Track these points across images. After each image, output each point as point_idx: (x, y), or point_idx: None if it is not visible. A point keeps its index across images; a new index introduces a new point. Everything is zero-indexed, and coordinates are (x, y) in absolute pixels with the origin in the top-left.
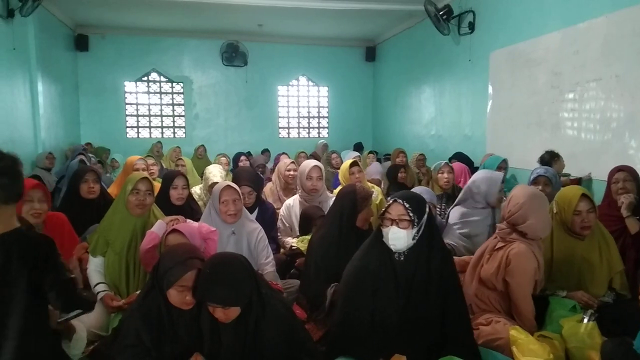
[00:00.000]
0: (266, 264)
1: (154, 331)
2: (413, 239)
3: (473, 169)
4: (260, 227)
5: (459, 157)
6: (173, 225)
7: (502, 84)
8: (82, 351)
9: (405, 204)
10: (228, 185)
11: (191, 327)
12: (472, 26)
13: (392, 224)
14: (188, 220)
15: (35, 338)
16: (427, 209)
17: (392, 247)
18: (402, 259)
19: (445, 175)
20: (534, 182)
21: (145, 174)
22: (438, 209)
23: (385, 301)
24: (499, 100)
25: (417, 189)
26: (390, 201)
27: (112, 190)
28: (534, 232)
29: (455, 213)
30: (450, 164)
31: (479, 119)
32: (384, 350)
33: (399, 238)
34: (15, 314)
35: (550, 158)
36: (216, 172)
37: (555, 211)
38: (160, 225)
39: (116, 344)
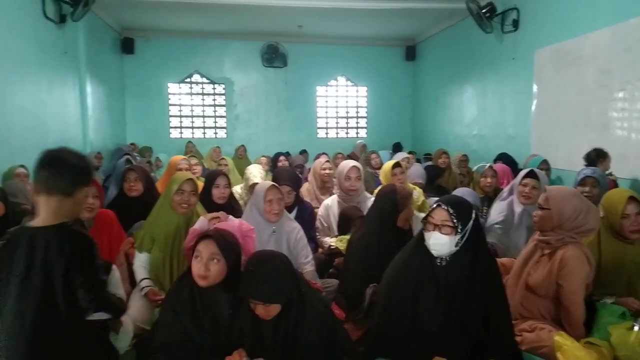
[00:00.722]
0: (306, 263)
1: (186, 316)
2: (456, 245)
3: (516, 170)
4: (300, 226)
5: (504, 158)
6: (215, 223)
7: (548, 83)
8: (129, 344)
9: (449, 209)
10: (273, 185)
11: (221, 315)
12: (516, 24)
13: (434, 229)
14: (229, 217)
15: (73, 329)
16: (474, 215)
17: (433, 252)
18: (443, 264)
19: (489, 179)
20: (581, 183)
21: (190, 174)
22: (480, 212)
23: (426, 306)
24: (544, 100)
25: (459, 191)
26: (435, 205)
27: (157, 187)
28: (594, 227)
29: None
30: (493, 168)
31: (523, 118)
32: (423, 355)
33: (440, 244)
34: (50, 304)
35: (596, 156)
36: (256, 173)
37: (602, 215)
38: (202, 222)
39: (154, 337)
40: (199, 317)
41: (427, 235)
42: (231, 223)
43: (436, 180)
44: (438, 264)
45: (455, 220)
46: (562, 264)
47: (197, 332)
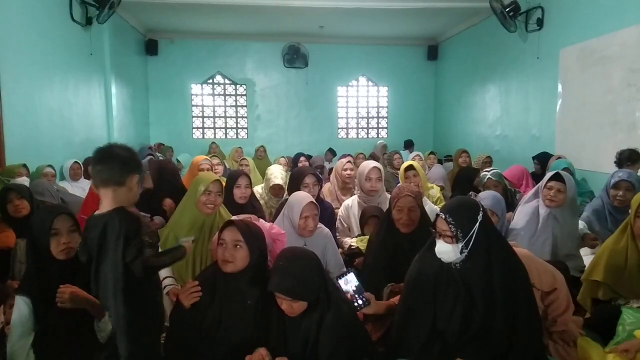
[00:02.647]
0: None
1: (208, 306)
2: (461, 252)
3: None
4: (330, 233)
5: (543, 157)
6: None
7: (573, 82)
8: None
9: (448, 218)
10: (311, 201)
11: (244, 308)
12: (540, 22)
13: (439, 238)
14: (260, 221)
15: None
16: (480, 217)
17: (441, 259)
18: (458, 267)
19: (492, 190)
20: (615, 186)
21: (216, 175)
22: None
23: (445, 308)
24: (569, 99)
25: (483, 194)
26: (436, 214)
27: None
28: None
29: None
30: (494, 178)
31: (547, 118)
32: (444, 357)
33: (444, 252)
34: (118, 283)
35: (629, 155)
36: (277, 174)
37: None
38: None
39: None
40: (220, 309)
41: (436, 242)
42: (261, 225)
43: (474, 181)
44: (453, 267)
45: (453, 229)
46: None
47: (216, 326)
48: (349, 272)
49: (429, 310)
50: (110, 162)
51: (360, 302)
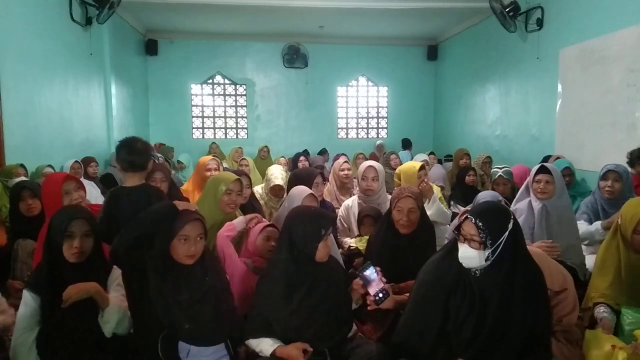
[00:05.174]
0: None
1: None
2: (486, 260)
3: None
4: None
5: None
6: (254, 223)
7: (573, 83)
8: (113, 327)
9: (478, 222)
10: (311, 193)
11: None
12: (540, 22)
13: (464, 242)
14: (264, 219)
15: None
16: (511, 225)
17: (463, 264)
18: (477, 275)
19: (500, 187)
20: (603, 177)
21: (234, 175)
22: None
23: (458, 315)
24: (569, 100)
25: (483, 194)
26: (464, 217)
27: (186, 187)
28: None
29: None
30: (504, 177)
31: (547, 118)
32: None
33: (469, 258)
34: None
35: (638, 156)
36: (277, 174)
37: (620, 222)
38: (240, 221)
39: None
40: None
41: (459, 245)
42: (265, 224)
43: (465, 181)
44: (472, 274)
45: (483, 235)
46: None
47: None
48: (369, 267)
49: (439, 314)
50: (135, 153)
51: (380, 295)
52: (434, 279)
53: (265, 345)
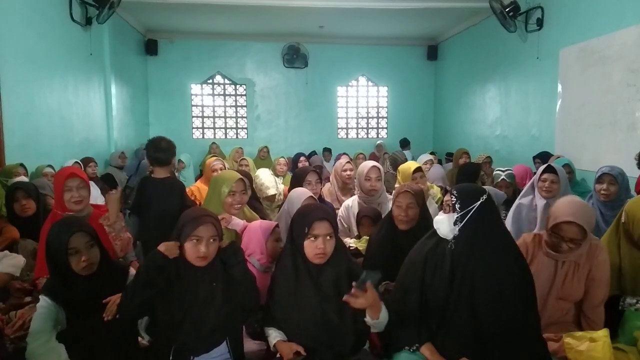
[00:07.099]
0: None
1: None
2: (454, 224)
3: None
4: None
5: (544, 156)
6: (224, 223)
7: (573, 82)
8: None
9: (453, 191)
10: (311, 196)
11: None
12: (540, 22)
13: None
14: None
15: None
16: (482, 199)
17: (437, 232)
18: (452, 247)
19: (503, 190)
20: (598, 180)
21: (238, 174)
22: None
23: (435, 289)
24: (569, 100)
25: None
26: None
27: (195, 187)
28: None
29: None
30: (507, 179)
31: (547, 118)
32: (434, 339)
33: (440, 221)
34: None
35: None
36: (268, 183)
37: (623, 220)
38: (238, 222)
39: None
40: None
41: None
42: (254, 224)
43: (477, 176)
44: (448, 247)
45: (454, 199)
46: (593, 251)
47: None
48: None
49: (418, 285)
50: (163, 150)
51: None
52: (415, 254)
53: (271, 336)
